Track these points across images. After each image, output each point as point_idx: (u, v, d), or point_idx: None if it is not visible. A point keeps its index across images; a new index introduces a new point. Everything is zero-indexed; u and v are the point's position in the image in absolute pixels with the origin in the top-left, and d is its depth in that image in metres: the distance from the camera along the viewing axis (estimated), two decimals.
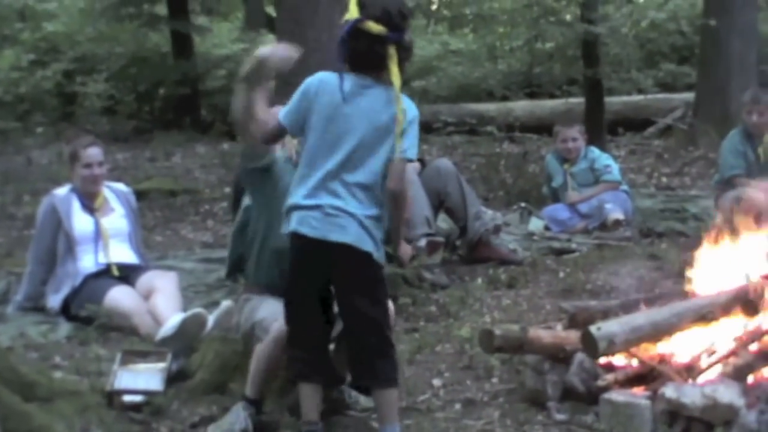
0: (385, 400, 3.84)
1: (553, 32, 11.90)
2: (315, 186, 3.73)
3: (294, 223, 3.75)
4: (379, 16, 3.71)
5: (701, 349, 4.13)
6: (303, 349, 3.87)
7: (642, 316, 4.15)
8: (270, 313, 4.23)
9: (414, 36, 14.78)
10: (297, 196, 3.76)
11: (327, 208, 3.70)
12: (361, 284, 3.78)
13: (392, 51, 3.74)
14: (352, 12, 3.74)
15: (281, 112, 3.82)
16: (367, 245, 3.73)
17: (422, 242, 6.31)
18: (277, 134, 3.91)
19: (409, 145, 3.78)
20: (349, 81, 3.76)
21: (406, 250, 4.21)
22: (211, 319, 4.92)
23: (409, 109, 3.81)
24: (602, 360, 4.16)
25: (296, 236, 3.75)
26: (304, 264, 3.79)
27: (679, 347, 4.19)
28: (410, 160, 3.83)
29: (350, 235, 3.70)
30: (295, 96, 3.81)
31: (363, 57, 3.75)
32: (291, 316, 3.89)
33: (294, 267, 3.84)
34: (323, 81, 3.79)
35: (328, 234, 3.69)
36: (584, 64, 11.46)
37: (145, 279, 5.67)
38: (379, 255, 3.78)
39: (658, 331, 4.13)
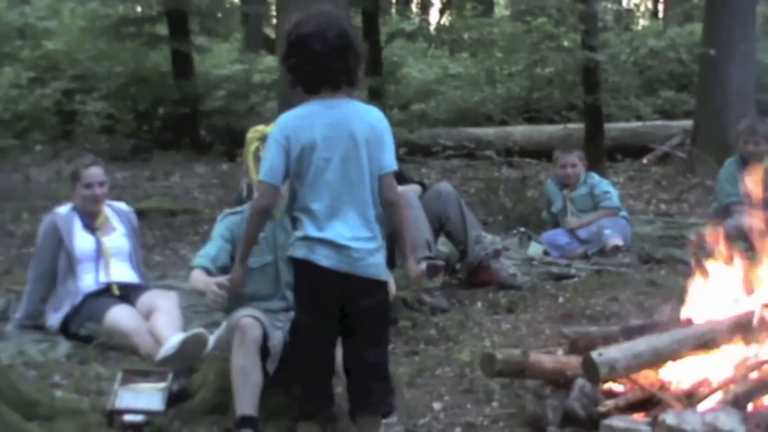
0: (375, 428, 3.86)
1: (554, 58, 11.97)
2: (324, 217, 3.68)
3: (307, 252, 3.68)
4: (315, 32, 3.66)
5: (702, 376, 4.14)
6: (310, 385, 3.82)
7: (643, 343, 4.15)
8: (234, 319, 4.30)
9: (414, 59, 14.87)
10: (306, 229, 3.69)
11: (343, 240, 3.66)
12: (378, 313, 3.78)
13: (340, 65, 3.69)
14: (289, 36, 3.70)
15: (264, 174, 3.72)
16: (383, 274, 3.75)
17: (422, 265, 6.30)
18: (276, 197, 3.80)
19: (391, 157, 3.78)
20: (310, 109, 3.72)
21: (416, 270, 4.00)
22: (211, 339, 4.91)
23: (379, 119, 3.79)
24: (603, 386, 4.17)
25: (310, 265, 3.69)
26: (320, 294, 3.73)
27: (680, 374, 4.20)
28: (391, 172, 3.82)
29: (368, 267, 3.69)
30: (272, 152, 3.71)
31: (313, 77, 3.71)
32: (301, 350, 3.83)
33: (309, 298, 3.76)
34: (287, 124, 3.72)
35: (348, 267, 3.66)
36: (584, 91, 11.51)
37: (146, 298, 5.66)
38: (388, 276, 3.80)
39: (659, 358, 4.13)
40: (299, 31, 3.69)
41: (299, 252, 3.71)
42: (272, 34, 22.24)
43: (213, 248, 4.69)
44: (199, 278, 4.53)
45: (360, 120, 3.74)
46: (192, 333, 4.96)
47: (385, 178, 3.76)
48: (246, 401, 4.13)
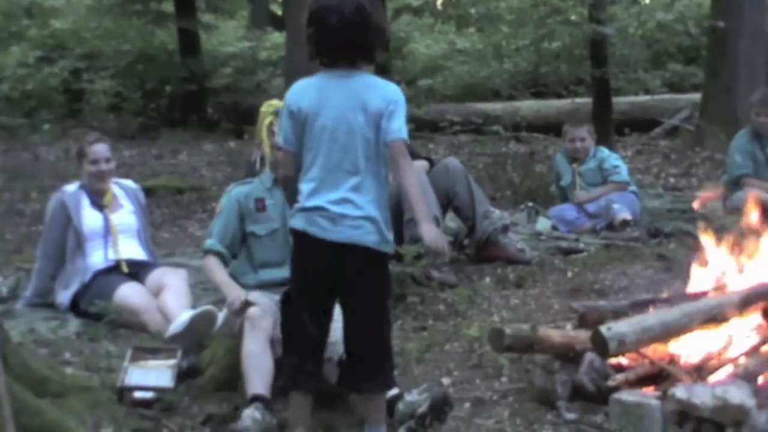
0: (378, 403, 3.85)
1: (561, 32, 11.91)
2: (318, 186, 3.67)
3: (302, 223, 3.68)
4: (333, 6, 3.65)
5: (712, 349, 4.14)
6: (298, 356, 3.80)
7: (652, 317, 4.14)
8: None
9: (420, 35, 14.78)
10: (307, 197, 3.69)
11: (335, 208, 3.63)
12: (373, 284, 3.75)
13: (356, 40, 3.68)
14: (310, 7, 3.70)
15: (282, 140, 3.79)
16: (382, 244, 3.70)
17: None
18: (296, 163, 3.81)
19: (399, 125, 3.70)
20: (323, 78, 3.73)
21: (431, 234, 3.73)
22: (220, 316, 4.92)
23: (393, 91, 3.75)
24: (612, 360, 4.16)
25: (305, 236, 3.68)
26: (312, 264, 3.72)
27: (689, 348, 4.19)
28: (398, 139, 3.75)
29: (363, 235, 3.65)
30: (284, 119, 3.78)
31: (329, 51, 3.70)
32: (290, 320, 3.81)
33: (301, 268, 3.76)
34: (297, 91, 3.76)
35: (341, 235, 3.63)
36: (592, 64, 11.47)
37: (155, 276, 5.67)
38: (389, 249, 3.77)
39: (669, 332, 4.12)
40: (320, 3, 3.69)
41: (297, 222, 3.71)
42: (278, 11, 22.20)
43: (222, 225, 4.78)
44: (221, 278, 4.72)
45: (373, 92, 3.71)
46: (201, 310, 4.97)
47: (392, 146, 3.68)
48: (257, 383, 4.13)
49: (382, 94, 3.72)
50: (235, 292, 4.53)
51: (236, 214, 4.75)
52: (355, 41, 3.68)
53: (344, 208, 3.65)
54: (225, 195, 4.86)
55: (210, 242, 4.79)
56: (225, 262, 4.77)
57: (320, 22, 3.67)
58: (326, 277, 3.72)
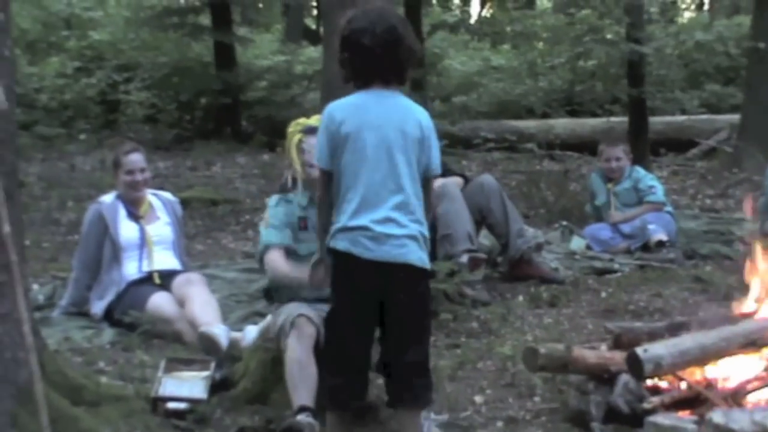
0: (414, 421, 3.81)
1: (597, 51, 11.89)
2: (361, 205, 3.65)
3: (346, 244, 3.65)
4: (365, 27, 3.67)
5: (750, 374, 4.09)
6: (345, 377, 3.76)
7: (690, 340, 4.11)
8: (287, 315, 4.33)
9: (455, 51, 14.77)
10: (343, 218, 3.67)
11: (379, 227, 3.62)
12: (417, 302, 3.74)
13: (389, 60, 3.69)
14: (342, 32, 3.73)
15: (317, 159, 3.76)
16: (425, 262, 3.71)
17: (464, 258, 6.29)
18: (330, 183, 3.77)
19: (438, 161, 3.78)
20: (361, 97, 3.73)
21: None
22: (254, 330, 4.90)
23: (425, 116, 3.78)
24: (648, 382, 4.13)
25: (348, 257, 3.65)
26: (357, 285, 3.69)
27: (727, 372, 4.15)
28: (437, 176, 3.84)
29: (408, 253, 3.65)
30: (321, 138, 3.73)
31: (363, 72, 3.71)
32: (335, 339, 3.78)
33: (345, 288, 3.72)
34: (337, 111, 3.72)
35: (385, 255, 3.62)
36: (629, 84, 11.43)
37: (177, 285, 5.66)
38: (429, 266, 3.77)
39: (706, 355, 4.09)
40: (351, 26, 3.72)
41: (339, 243, 3.67)
42: (313, 25, 22.32)
43: (277, 229, 4.73)
44: (285, 266, 4.62)
45: (411, 115, 3.74)
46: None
47: (431, 181, 3.80)
48: (304, 393, 4.09)
49: (416, 118, 3.74)
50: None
51: (286, 224, 4.72)
52: (388, 60, 3.69)
53: (388, 227, 3.64)
54: (273, 205, 4.79)
55: (272, 238, 4.68)
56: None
57: (354, 44, 3.69)
58: (372, 297, 3.70)
